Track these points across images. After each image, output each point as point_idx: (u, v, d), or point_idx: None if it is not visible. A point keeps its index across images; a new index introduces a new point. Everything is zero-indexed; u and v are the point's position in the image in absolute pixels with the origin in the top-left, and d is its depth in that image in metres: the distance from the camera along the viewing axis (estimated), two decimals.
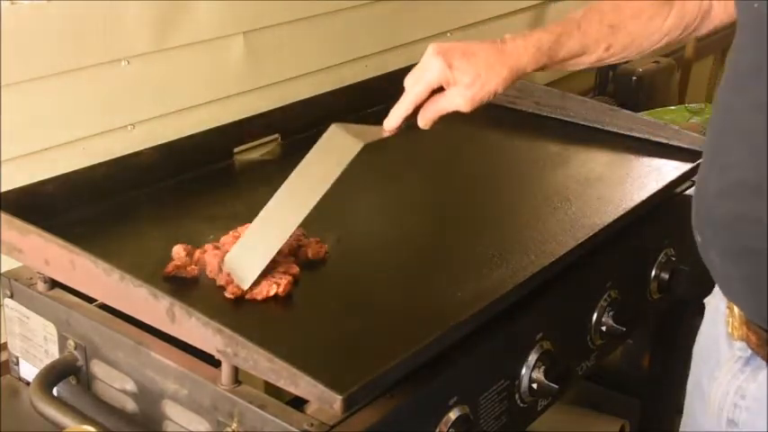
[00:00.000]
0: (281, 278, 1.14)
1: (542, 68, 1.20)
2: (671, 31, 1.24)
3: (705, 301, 1.16)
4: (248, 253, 1.15)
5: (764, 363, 1.02)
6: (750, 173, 0.94)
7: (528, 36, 1.18)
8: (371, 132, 1.17)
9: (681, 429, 1.22)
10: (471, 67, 1.13)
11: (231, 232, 1.25)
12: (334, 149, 1.15)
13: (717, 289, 1.12)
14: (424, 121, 1.17)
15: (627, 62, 1.30)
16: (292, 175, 1.16)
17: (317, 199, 1.12)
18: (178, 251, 1.21)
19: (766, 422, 1.02)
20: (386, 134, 1.17)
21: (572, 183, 1.47)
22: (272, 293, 1.13)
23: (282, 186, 1.16)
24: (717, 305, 1.11)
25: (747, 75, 0.96)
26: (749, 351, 1.04)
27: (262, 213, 1.16)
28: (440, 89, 1.15)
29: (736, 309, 1.04)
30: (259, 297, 1.13)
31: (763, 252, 0.93)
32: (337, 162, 1.13)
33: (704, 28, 1.26)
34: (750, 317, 1.01)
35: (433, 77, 1.14)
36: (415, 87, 1.15)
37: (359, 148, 1.13)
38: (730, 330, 1.06)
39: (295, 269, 1.18)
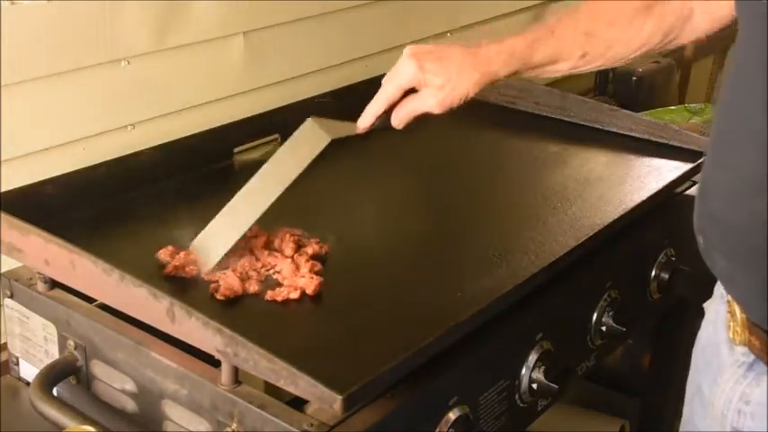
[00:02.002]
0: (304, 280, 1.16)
1: (516, 73, 1.22)
2: (650, 38, 1.23)
3: (704, 305, 1.15)
4: (214, 238, 1.18)
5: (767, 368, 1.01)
6: (756, 172, 0.93)
7: (502, 41, 1.20)
8: (344, 128, 1.21)
9: (682, 423, 1.20)
10: (443, 71, 1.16)
11: None
12: (305, 142, 1.20)
13: (717, 293, 1.11)
14: (397, 120, 1.20)
15: (605, 68, 1.28)
16: (266, 164, 1.21)
17: (281, 190, 1.17)
18: (164, 253, 1.20)
19: None
20: (359, 131, 1.21)
21: (572, 183, 1.47)
22: (283, 299, 1.14)
23: (255, 175, 1.20)
24: (717, 309, 1.10)
25: (753, 73, 0.95)
26: (752, 356, 1.02)
27: (232, 200, 1.20)
28: (414, 90, 1.18)
29: (738, 313, 1.03)
30: (279, 298, 1.14)
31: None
32: (305, 155, 1.18)
33: (687, 35, 1.25)
34: (755, 320, 1.00)
35: (405, 79, 1.17)
36: (387, 87, 1.19)
37: (325, 143, 1.18)
38: (732, 335, 1.05)
39: (318, 266, 1.20)
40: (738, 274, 1.00)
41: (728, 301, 1.05)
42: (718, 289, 1.10)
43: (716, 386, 1.07)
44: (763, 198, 0.92)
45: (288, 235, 1.23)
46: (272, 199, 1.17)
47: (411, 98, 1.18)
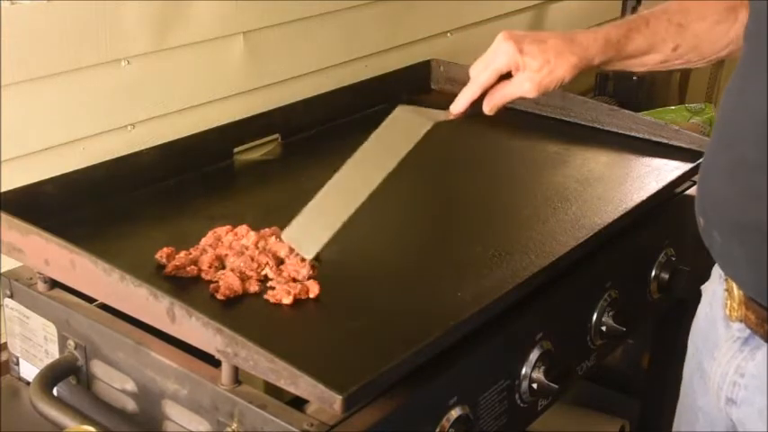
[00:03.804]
0: (296, 286, 1.15)
1: (609, 62, 1.22)
2: (736, 39, 1.23)
3: (702, 287, 1.19)
4: (312, 225, 1.16)
5: (763, 341, 1.05)
6: (754, 150, 0.97)
7: (598, 29, 1.20)
8: (438, 114, 1.20)
9: (678, 411, 1.25)
10: (541, 53, 1.16)
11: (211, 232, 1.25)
12: (403, 128, 1.17)
13: (714, 274, 1.15)
14: (489, 106, 1.19)
15: (693, 66, 1.29)
16: (357, 152, 1.18)
17: (386, 173, 1.14)
18: (161, 254, 1.20)
19: (765, 397, 1.05)
20: (451, 117, 1.20)
21: (572, 183, 1.47)
22: (284, 302, 1.13)
23: (347, 163, 1.18)
24: (714, 290, 1.14)
25: (757, 60, 0.99)
26: (747, 331, 1.07)
27: (325, 188, 1.17)
28: (507, 76, 1.17)
29: (735, 290, 1.07)
30: (279, 298, 1.13)
31: (764, 228, 0.96)
32: (407, 139, 1.15)
33: None
34: (751, 294, 1.04)
35: (502, 62, 1.16)
36: (484, 72, 1.17)
37: (429, 126, 1.16)
38: (728, 312, 1.09)
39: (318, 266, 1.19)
40: (735, 250, 1.03)
41: (726, 280, 1.09)
42: (716, 271, 1.15)
43: (713, 360, 1.12)
44: (762, 174, 0.95)
45: (275, 237, 1.22)
46: (376, 184, 1.13)
47: (505, 83, 1.18)
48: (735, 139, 1.02)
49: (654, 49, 1.22)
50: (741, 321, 1.07)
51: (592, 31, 1.20)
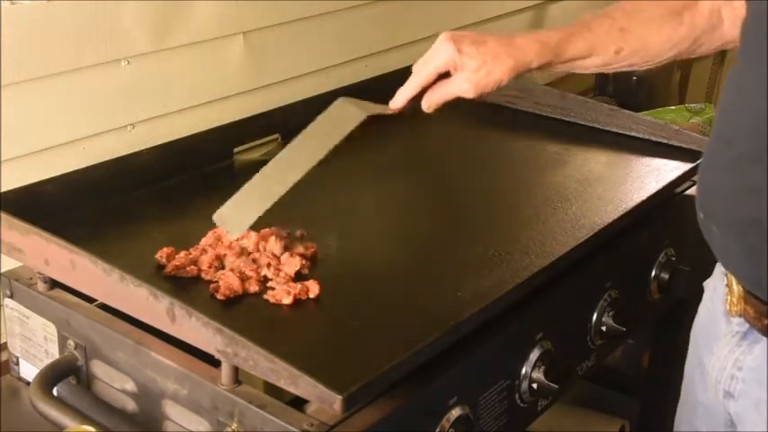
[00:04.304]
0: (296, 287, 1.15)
1: (549, 65, 1.22)
2: (680, 42, 1.24)
3: (704, 283, 1.20)
4: (241, 207, 1.18)
5: (761, 335, 1.06)
6: (752, 145, 0.98)
7: (539, 32, 1.22)
8: (376, 108, 1.22)
9: (679, 407, 1.26)
10: (479, 54, 1.17)
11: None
12: (339, 118, 1.20)
13: (716, 271, 1.16)
14: (428, 103, 1.21)
15: (633, 70, 1.30)
16: (295, 139, 1.20)
17: (316, 161, 1.16)
18: (161, 254, 1.20)
19: (765, 390, 1.06)
20: (389, 112, 1.21)
21: (572, 183, 1.47)
22: (284, 302, 1.13)
23: (284, 149, 1.20)
24: (715, 286, 1.16)
25: (755, 54, 1.00)
26: (746, 325, 1.08)
27: (259, 173, 1.19)
28: (448, 76, 1.18)
29: (735, 285, 1.08)
30: (279, 298, 1.13)
31: (763, 222, 0.97)
32: (340, 129, 1.18)
33: (715, 43, 1.27)
34: (750, 288, 1.05)
35: (441, 60, 1.17)
36: (423, 69, 1.19)
37: (363, 117, 1.18)
38: (728, 307, 1.10)
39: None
40: (733, 244, 1.04)
41: (726, 275, 1.10)
42: (718, 267, 1.16)
43: (711, 355, 1.13)
44: (757, 168, 0.97)
45: (274, 237, 1.22)
46: (304, 171, 1.16)
47: (444, 82, 1.19)
48: (733, 134, 1.03)
49: (595, 52, 1.23)
50: (740, 316, 1.08)
51: (532, 35, 1.21)
